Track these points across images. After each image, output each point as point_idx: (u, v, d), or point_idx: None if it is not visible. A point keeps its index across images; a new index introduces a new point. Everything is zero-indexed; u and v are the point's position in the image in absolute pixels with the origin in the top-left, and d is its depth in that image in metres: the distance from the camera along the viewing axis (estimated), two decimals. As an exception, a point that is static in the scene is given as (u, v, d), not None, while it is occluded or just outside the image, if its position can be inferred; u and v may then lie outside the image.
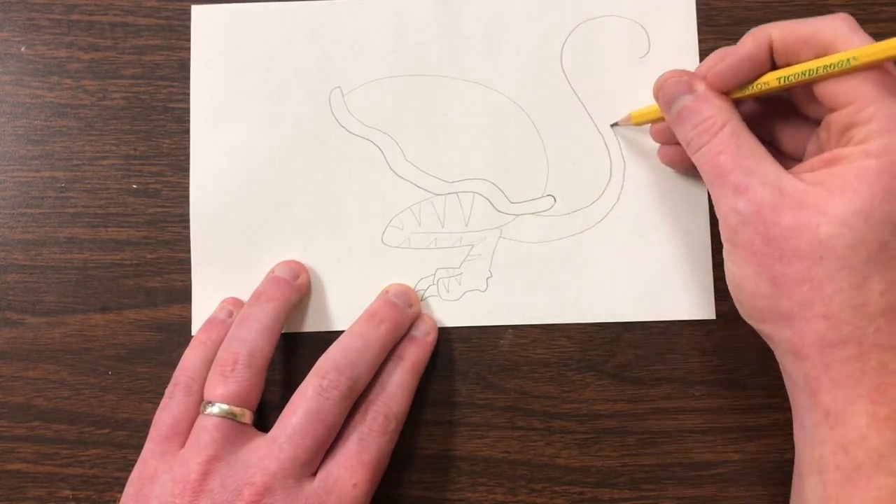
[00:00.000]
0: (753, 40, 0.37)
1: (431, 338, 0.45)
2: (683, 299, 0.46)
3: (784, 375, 0.37)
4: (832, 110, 0.35)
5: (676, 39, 0.47)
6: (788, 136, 0.41)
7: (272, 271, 0.46)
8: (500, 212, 0.46)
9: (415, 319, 0.45)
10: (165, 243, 0.47)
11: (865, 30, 0.46)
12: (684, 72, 0.39)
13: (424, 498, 0.46)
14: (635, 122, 0.44)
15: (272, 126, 0.47)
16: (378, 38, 0.47)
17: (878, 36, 0.46)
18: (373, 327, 0.43)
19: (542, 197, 0.46)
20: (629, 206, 0.46)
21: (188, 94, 0.48)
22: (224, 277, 0.47)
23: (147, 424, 0.46)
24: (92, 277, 0.47)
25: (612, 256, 0.46)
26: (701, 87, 0.38)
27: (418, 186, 0.46)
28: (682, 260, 0.46)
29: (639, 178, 0.46)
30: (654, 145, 0.46)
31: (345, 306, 0.46)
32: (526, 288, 0.46)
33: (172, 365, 0.46)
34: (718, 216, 0.37)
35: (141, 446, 0.46)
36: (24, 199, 0.48)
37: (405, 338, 0.45)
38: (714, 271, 0.45)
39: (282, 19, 0.48)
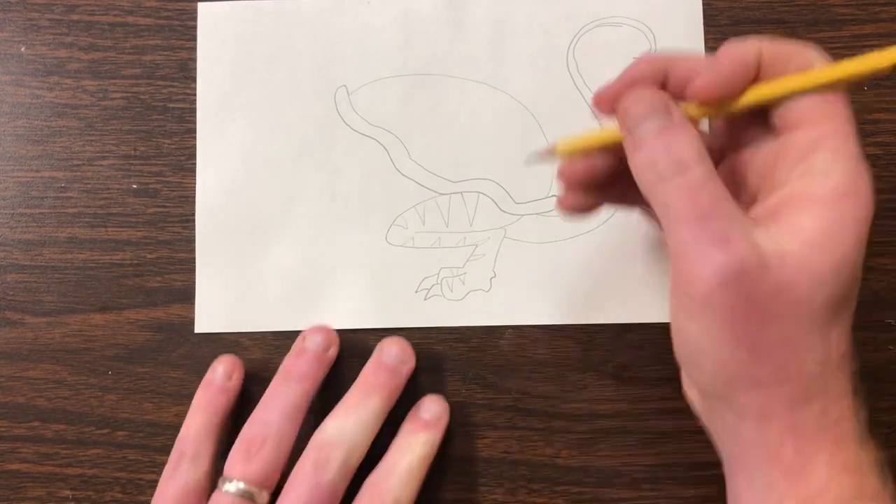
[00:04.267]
0: (742, 49, 0.32)
1: (443, 422, 0.44)
2: (686, 300, 0.46)
3: (726, 440, 0.33)
4: (786, 131, 0.32)
5: (682, 40, 0.47)
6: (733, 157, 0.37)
7: (303, 338, 0.44)
8: (504, 212, 0.46)
9: (410, 375, 0.44)
10: (165, 243, 0.47)
11: (865, 30, 0.47)
12: (657, 91, 0.33)
13: (424, 498, 0.46)
14: (564, 151, 0.36)
15: (277, 123, 0.47)
16: (384, 36, 0.47)
17: (878, 36, 0.46)
18: (365, 397, 0.42)
19: (547, 197, 0.46)
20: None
21: (188, 94, 0.48)
22: (228, 276, 0.47)
23: (147, 425, 0.46)
24: (92, 277, 0.47)
25: (616, 257, 0.46)
26: (678, 114, 0.32)
27: (423, 186, 0.46)
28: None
29: (641, 178, 0.46)
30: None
31: (348, 305, 0.46)
32: (530, 289, 0.46)
33: (172, 365, 0.46)
34: (680, 269, 0.31)
35: (141, 447, 0.46)
36: (24, 199, 0.48)
37: (416, 420, 0.44)
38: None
39: (288, 17, 0.48)
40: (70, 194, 0.47)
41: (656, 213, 0.32)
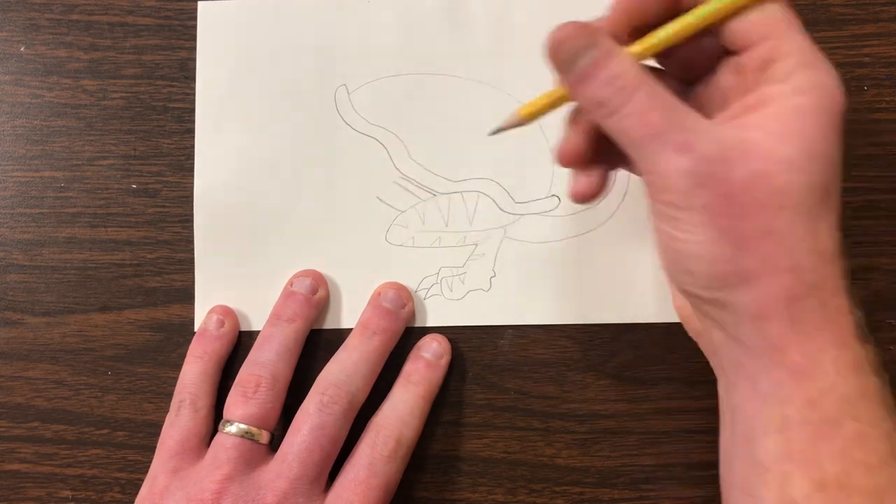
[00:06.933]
0: None
1: (445, 361, 0.45)
2: (686, 300, 0.46)
3: (725, 349, 0.33)
4: (745, 50, 0.32)
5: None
6: (685, 64, 0.37)
7: (290, 283, 0.45)
8: (504, 211, 0.46)
9: (410, 318, 0.46)
10: (165, 243, 0.47)
11: (865, 29, 0.46)
12: (585, 23, 0.33)
13: (424, 498, 0.46)
14: (526, 117, 0.37)
15: (277, 123, 0.47)
16: (384, 35, 0.47)
17: (878, 36, 0.46)
18: (367, 339, 0.44)
19: (547, 197, 0.46)
20: (633, 208, 0.46)
21: (188, 94, 0.48)
22: (227, 276, 0.47)
23: (147, 425, 0.46)
24: (92, 277, 0.47)
25: (616, 257, 0.46)
26: (607, 41, 0.32)
27: (423, 185, 0.46)
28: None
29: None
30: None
31: (348, 304, 0.46)
32: (529, 288, 0.46)
33: (172, 365, 0.46)
34: (654, 183, 0.32)
35: (140, 447, 0.46)
36: (23, 199, 0.47)
37: (419, 360, 0.45)
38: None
39: (288, 16, 0.48)
40: (70, 194, 0.47)
41: (619, 144, 0.33)
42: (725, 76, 0.34)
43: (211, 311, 0.46)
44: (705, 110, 0.34)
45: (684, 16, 0.33)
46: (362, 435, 0.42)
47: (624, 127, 0.32)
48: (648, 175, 0.32)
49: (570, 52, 0.33)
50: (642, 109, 0.31)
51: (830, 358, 0.30)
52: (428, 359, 0.45)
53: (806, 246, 0.30)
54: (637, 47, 0.33)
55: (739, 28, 0.32)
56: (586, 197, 0.38)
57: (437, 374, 0.45)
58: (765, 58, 0.31)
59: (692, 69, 0.36)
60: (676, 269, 0.33)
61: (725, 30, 0.32)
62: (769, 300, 0.31)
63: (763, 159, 0.30)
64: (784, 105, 0.31)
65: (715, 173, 0.30)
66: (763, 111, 0.31)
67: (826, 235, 0.31)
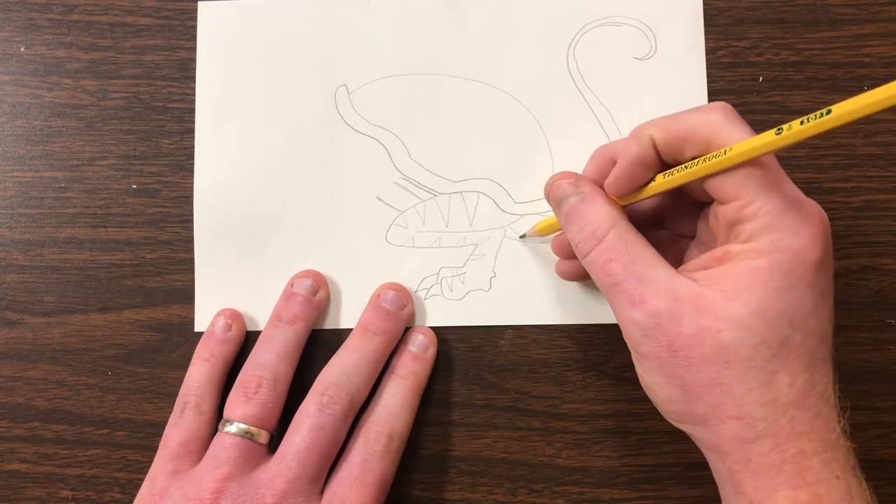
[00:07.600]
0: (638, 143, 0.36)
1: (431, 352, 0.45)
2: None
3: (710, 466, 0.36)
4: (720, 203, 0.34)
5: (683, 40, 0.47)
6: (678, 217, 0.41)
7: (291, 284, 0.46)
8: (504, 211, 0.46)
9: (409, 319, 0.46)
10: (165, 243, 0.47)
11: (865, 30, 0.46)
12: (572, 173, 0.38)
13: (424, 498, 0.46)
14: (541, 232, 0.44)
15: (277, 123, 0.47)
16: (385, 36, 0.47)
17: (877, 36, 0.46)
18: (367, 340, 0.44)
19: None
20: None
21: (188, 94, 0.48)
22: (227, 276, 0.47)
23: (147, 425, 0.46)
24: (92, 277, 0.47)
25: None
26: (587, 188, 0.38)
27: (423, 185, 0.46)
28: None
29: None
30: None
31: (348, 305, 0.46)
32: (529, 288, 0.46)
33: (172, 365, 0.46)
34: (619, 324, 0.36)
35: (140, 447, 0.46)
36: (23, 199, 0.47)
37: (405, 353, 0.45)
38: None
39: (288, 16, 0.48)
40: (70, 194, 0.47)
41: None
42: (711, 216, 0.36)
43: (219, 314, 0.46)
44: (705, 240, 0.39)
45: (658, 177, 0.36)
46: (355, 432, 0.43)
47: (591, 270, 0.37)
48: (615, 315, 0.36)
49: (557, 196, 0.38)
50: (605, 258, 0.36)
51: (785, 495, 0.32)
52: (414, 351, 0.45)
53: (755, 397, 0.32)
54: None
55: (714, 185, 0.34)
56: (568, 277, 0.45)
57: (425, 366, 0.45)
58: (732, 218, 0.34)
59: (679, 201, 0.40)
60: (650, 398, 0.36)
61: (706, 184, 0.35)
62: (723, 440, 0.33)
63: (712, 315, 0.33)
64: (741, 265, 0.33)
65: (662, 327, 0.33)
66: (723, 267, 0.33)
67: (784, 385, 0.32)
